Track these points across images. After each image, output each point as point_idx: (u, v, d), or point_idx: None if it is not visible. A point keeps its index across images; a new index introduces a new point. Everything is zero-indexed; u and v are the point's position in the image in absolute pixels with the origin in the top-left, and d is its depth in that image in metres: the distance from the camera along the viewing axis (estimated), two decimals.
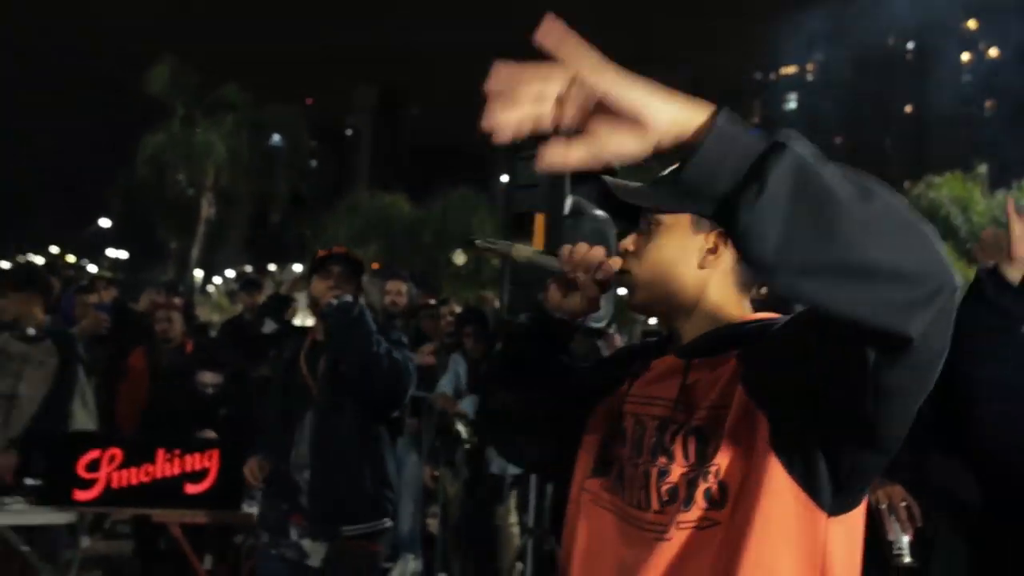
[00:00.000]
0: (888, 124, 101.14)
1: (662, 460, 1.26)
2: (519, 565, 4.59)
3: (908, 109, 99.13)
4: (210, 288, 37.33)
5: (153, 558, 4.68)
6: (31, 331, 4.42)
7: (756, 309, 1.39)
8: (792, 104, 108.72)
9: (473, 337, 5.14)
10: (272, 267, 51.59)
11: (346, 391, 3.09)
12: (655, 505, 1.24)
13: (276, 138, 32.43)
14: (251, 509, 3.90)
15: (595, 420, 1.45)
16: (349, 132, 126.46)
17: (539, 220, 3.59)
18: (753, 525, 1.14)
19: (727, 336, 1.29)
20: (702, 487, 1.19)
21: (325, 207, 34.95)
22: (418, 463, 5.71)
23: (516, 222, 3.69)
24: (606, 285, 1.42)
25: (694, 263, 1.33)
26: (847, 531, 1.19)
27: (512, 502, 5.22)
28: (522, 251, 1.53)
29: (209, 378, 4.61)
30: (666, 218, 1.34)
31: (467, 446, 4.99)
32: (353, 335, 3.01)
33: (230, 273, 44.77)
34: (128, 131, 30.42)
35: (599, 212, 3.80)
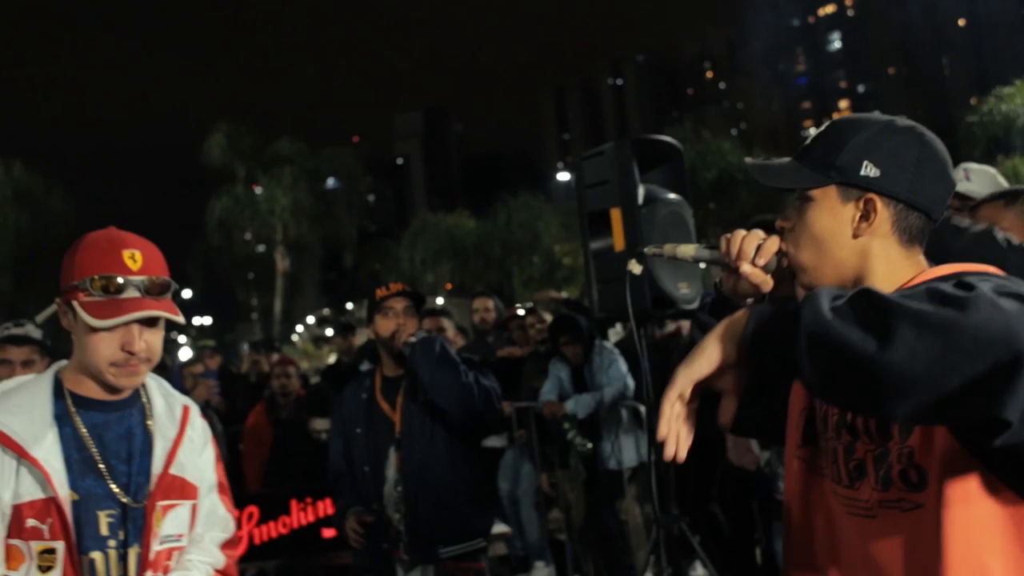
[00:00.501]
0: (941, 44, 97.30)
1: (846, 437, 1.27)
2: (651, 557, 4.60)
3: (961, 23, 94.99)
4: (294, 337, 38.33)
5: None
6: None
7: None
8: (836, 44, 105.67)
9: (571, 343, 5.15)
10: (349, 306, 52.66)
11: (430, 420, 3.12)
12: (845, 480, 1.27)
13: (331, 181, 33.15)
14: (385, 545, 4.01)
15: (794, 392, 1.46)
16: (400, 161, 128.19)
17: (615, 215, 3.61)
18: (957, 514, 1.13)
19: None
20: (896, 467, 1.19)
21: (391, 239, 35.56)
22: (533, 472, 5.76)
23: (593, 220, 3.72)
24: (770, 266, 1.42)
25: (848, 234, 1.31)
26: None
27: (632, 494, 5.23)
28: (685, 250, 1.57)
29: (320, 424, 4.76)
30: (815, 193, 1.33)
31: (581, 449, 5.02)
32: (442, 369, 3.03)
33: (310, 320, 45.81)
34: (197, 201, 31.59)
35: (672, 196, 3.80)
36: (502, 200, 32.07)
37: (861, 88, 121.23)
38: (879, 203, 1.30)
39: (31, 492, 1.64)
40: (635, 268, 1.71)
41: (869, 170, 1.29)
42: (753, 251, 1.40)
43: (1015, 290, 1.04)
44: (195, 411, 1.93)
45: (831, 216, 1.32)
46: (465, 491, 3.15)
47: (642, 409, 4.44)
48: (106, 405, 1.78)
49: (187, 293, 37.66)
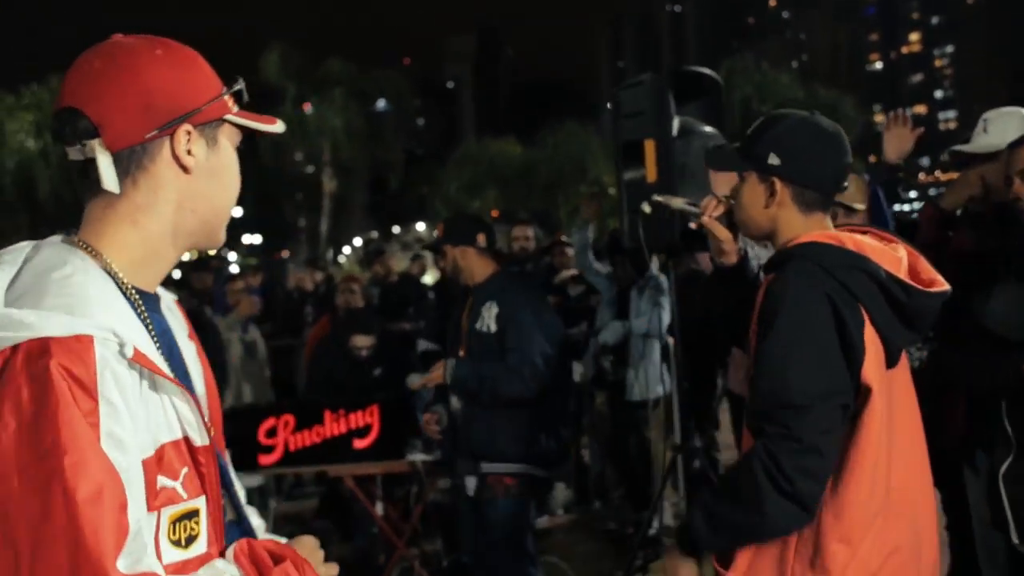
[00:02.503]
0: None
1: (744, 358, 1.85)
2: (669, 485, 4.73)
3: None
4: (341, 259, 38.83)
5: (335, 510, 5.08)
6: None
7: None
8: None
9: (620, 264, 5.21)
10: (396, 229, 52.98)
11: (479, 346, 3.35)
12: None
13: (381, 103, 33.01)
14: (413, 457, 4.19)
15: None
16: (450, 84, 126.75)
17: (649, 146, 3.61)
18: None
19: (770, 262, 1.82)
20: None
21: (438, 163, 35.48)
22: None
23: (627, 150, 3.72)
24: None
25: (762, 205, 1.84)
26: None
27: (656, 424, 5.33)
28: (676, 202, 2.09)
29: (361, 341, 4.89)
30: (745, 174, 1.86)
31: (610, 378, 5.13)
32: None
33: (357, 242, 46.30)
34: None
35: (708, 129, 3.78)
36: (549, 127, 31.67)
37: (935, 19, 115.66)
38: (779, 184, 1.80)
39: (162, 434, 1.06)
40: (646, 208, 2.22)
41: (773, 160, 1.79)
42: (712, 208, 1.95)
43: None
44: None
45: (752, 192, 1.84)
46: (514, 417, 3.30)
47: (670, 341, 4.50)
48: (157, 301, 1.21)
49: (237, 211, 38.28)
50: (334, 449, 4.21)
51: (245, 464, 4.21)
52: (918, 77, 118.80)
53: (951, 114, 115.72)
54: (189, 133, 1.14)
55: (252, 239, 60.39)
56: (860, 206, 3.04)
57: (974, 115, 3.11)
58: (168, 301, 1.27)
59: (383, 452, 4.21)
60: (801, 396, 1.61)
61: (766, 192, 1.82)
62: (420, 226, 46.67)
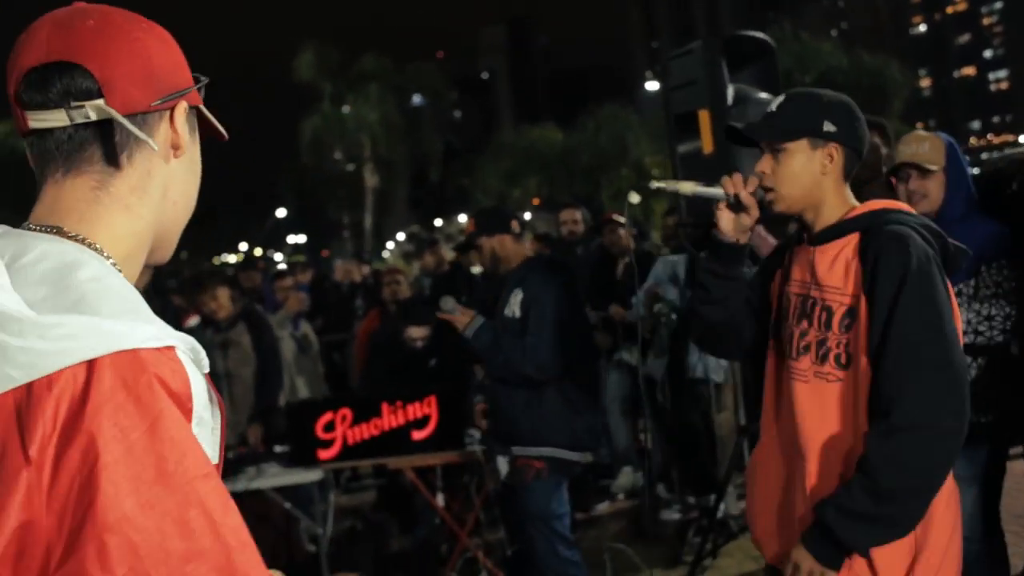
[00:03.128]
0: None
1: (803, 324, 1.89)
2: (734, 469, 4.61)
3: None
4: (384, 254, 39.11)
5: (395, 502, 5.05)
6: (223, 321, 4.84)
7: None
8: None
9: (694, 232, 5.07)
10: (438, 222, 53.21)
11: (507, 331, 3.39)
12: (793, 354, 1.91)
13: (417, 98, 33.08)
14: (473, 447, 4.14)
15: (770, 300, 2.08)
16: (485, 75, 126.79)
17: (703, 117, 3.48)
18: (862, 387, 1.78)
19: (843, 226, 1.86)
20: (833, 352, 1.82)
21: (477, 154, 35.46)
22: (620, 381, 5.79)
23: (681, 122, 3.60)
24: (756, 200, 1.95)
25: (818, 171, 1.88)
26: None
27: (725, 405, 5.20)
28: (686, 186, 2.05)
29: (416, 332, 4.86)
30: (788, 144, 1.88)
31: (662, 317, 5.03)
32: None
33: (400, 236, 46.54)
34: (288, 122, 32.07)
35: (763, 95, 3.63)
36: (589, 111, 31.41)
37: None
38: (837, 151, 1.87)
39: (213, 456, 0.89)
40: (634, 198, 2.19)
41: (829, 126, 1.87)
42: (743, 184, 1.95)
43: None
44: None
45: (805, 161, 1.87)
46: (546, 400, 3.32)
47: None
48: None
49: (281, 212, 38.67)
50: (393, 441, 4.17)
51: (304, 459, 4.21)
52: (965, 37, 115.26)
53: (1002, 74, 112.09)
54: (185, 110, 0.98)
55: (297, 239, 61.14)
56: (934, 166, 2.86)
57: None
58: None
59: (442, 442, 4.17)
60: (958, 366, 1.71)
61: (823, 159, 1.87)
62: (462, 218, 46.80)
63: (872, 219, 1.83)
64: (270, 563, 3.53)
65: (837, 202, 1.89)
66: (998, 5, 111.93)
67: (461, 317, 3.36)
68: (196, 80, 1.00)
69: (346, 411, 4.21)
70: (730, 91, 3.50)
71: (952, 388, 1.67)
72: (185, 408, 0.81)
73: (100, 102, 0.89)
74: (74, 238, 0.89)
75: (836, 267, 1.83)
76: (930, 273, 1.72)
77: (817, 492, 1.79)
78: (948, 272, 1.80)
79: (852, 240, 1.83)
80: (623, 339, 5.76)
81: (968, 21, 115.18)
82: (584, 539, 4.98)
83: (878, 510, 1.67)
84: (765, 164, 1.91)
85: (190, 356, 0.85)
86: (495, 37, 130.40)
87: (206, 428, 0.86)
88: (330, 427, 4.20)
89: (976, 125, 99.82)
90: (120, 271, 0.89)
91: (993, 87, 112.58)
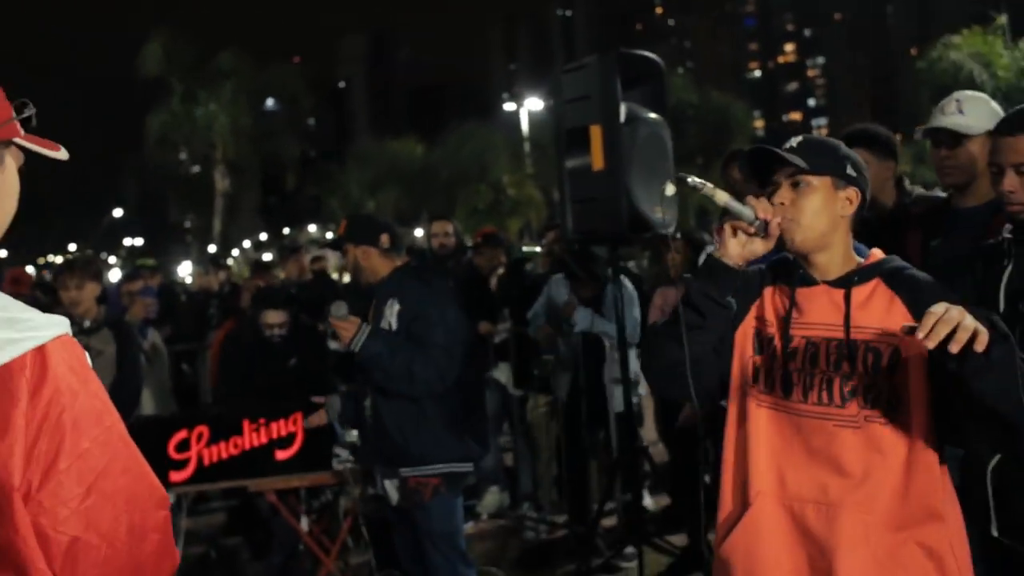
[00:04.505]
0: None
1: (845, 367, 1.81)
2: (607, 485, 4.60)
3: None
4: (229, 261, 37.49)
5: (251, 526, 4.71)
6: (87, 323, 4.40)
7: None
8: None
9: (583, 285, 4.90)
10: (287, 230, 51.64)
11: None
12: (837, 400, 1.81)
13: (271, 102, 32.01)
14: (340, 467, 3.90)
15: (742, 343, 1.94)
16: (342, 84, 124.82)
17: (595, 132, 3.46)
18: (918, 428, 1.77)
19: (868, 272, 1.85)
20: (885, 395, 1.78)
21: (333, 164, 34.71)
22: (491, 398, 5.69)
23: (572, 137, 3.56)
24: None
25: (837, 212, 1.85)
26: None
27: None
28: (721, 196, 1.84)
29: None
30: (813, 179, 1.83)
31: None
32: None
33: (246, 244, 44.88)
34: (131, 117, 30.13)
35: (653, 115, 3.66)
36: (451, 127, 31.47)
37: (808, 32, 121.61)
38: (856, 195, 1.86)
39: None
40: (669, 190, 1.89)
41: (851, 171, 1.87)
42: (773, 212, 1.83)
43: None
44: None
45: (827, 199, 1.84)
46: (431, 417, 3.23)
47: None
48: None
49: (118, 212, 36.36)
50: (254, 461, 3.87)
51: None
52: (793, 86, 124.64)
53: (822, 121, 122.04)
54: None
55: (134, 241, 57.59)
56: None
57: (843, 122, 3.15)
58: None
59: (309, 462, 3.90)
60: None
61: (843, 201, 1.86)
62: (312, 228, 45.57)
63: (888, 265, 1.88)
64: None
65: (847, 247, 1.89)
66: (821, 60, 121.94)
67: (346, 329, 3.17)
68: (12, 116, 1.20)
69: (203, 429, 3.87)
70: (623, 108, 3.50)
71: None
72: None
73: None
74: None
75: (872, 307, 1.82)
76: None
77: (878, 538, 1.77)
78: None
79: (876, 283, 1.84)
80: (493, 356, 5.67)
81: (796, 71, 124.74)
82: None
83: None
84: (785, 195, 1.84)
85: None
86: (354, 46, 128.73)
87: None
88: (184, 446, 3.85)
89: None
90: None
91: (815, 132, 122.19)
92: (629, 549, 4.49)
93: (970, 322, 1.54)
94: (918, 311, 1.69)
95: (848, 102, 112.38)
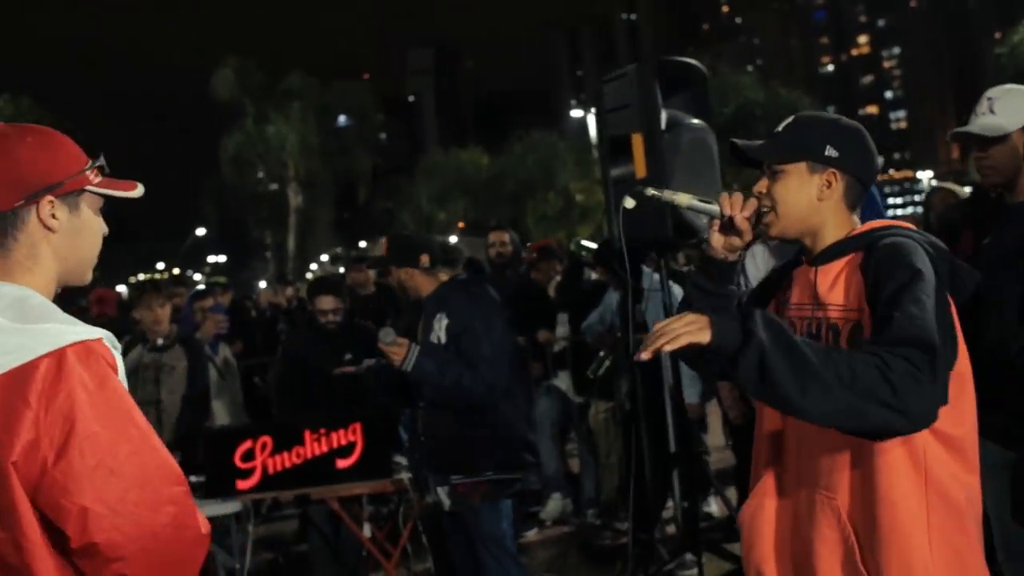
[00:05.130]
0: None
1: None
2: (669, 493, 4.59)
3: None
4: (308, 276, 38.39)
5: (319, 534, 4.85)
6: (160, 341, 4.64)
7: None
8: None
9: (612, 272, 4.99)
10: (363, 244, 52.61)
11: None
12: None
13: (342, 119, 32.70)
14: (400, 476, 4.00)
15: None
16: (411, 98, 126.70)
17: (637, 140, 3.48)
18: None
19: (843, 245, 1.80)
20: None
21: (404, 176, 35.26)
22: (550, 406, 5.74)
23: (615, 146, 3.59)
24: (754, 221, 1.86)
25: (814, 196, 1.82)
26: None
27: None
28: (682, 198, 1.90)
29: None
30: (787, 167, 1.82)
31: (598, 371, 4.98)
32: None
33: (324, 258, 45.86)
34: (210, 139, 31.23)
35: (695, 121, 3.66)
36: (517, 136, 31.64)
37: (881, 22, 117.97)
38: (837, 176, 1.81)
39: None
40: (628, 203, 1.95)
41: (831, 152, 1.81)
42: (741, 205, 1.83)
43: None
44: None
45: (802, 184, 1.81)
46: (482, 426, 3.31)
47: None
48: None
49: (201, 231, 37.67)
50: (316, 470, 4.00)
51: (221, 490, 4.00)
52: (868, 78, 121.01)
53: (901, 114, 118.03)
54: (52, 202, 1.48)
55: (217, 259, 59.54)
56: None
57: (923, 114, 3.04)
58: None
59: (368, 471, 4.01)
60: (924, 333, 1.55)
61: (821, 184, 1.82)
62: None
63: (873, 235, 1.78)
64: None
65: (838, 228, 1.83)
66: (896, 50, 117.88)
67: (396, 352, 3.26)
68: (88, 165, 1.52)
69: (266, 439, 4.02)
70: (663, 116, 3.51)
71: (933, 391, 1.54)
72: (118, 374, 1.41)
73: None
74: (13, 284, 1.45)
75: (838, 285, 1.77)
76: (930, 281, 1.64)
77: (853, 523, 1.71)
78: (955, 294, 1.73)
79: (855, 258, 1.77)
80: (552, 365, 5.72)
81: (871, 63, 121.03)
82: None
83: (803, 363, 1.51)
84: (761, 185, 1.86)
85: (110, 343, 1.42)
86: (422, 60, 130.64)
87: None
88: (249, 456, 4.00)
89: (879, 161, 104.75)
90: None
91: (893, 126, 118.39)
92: (689, 556, 4.47)
93: (672, 326, 1.57)
94: (867, 283, 1.69)
95: (927, 92, 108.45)
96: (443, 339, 3.31)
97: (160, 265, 56.89)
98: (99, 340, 1.38)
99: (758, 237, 1.93)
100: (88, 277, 1.60)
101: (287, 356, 5.07)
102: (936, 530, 1.66)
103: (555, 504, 5.71)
